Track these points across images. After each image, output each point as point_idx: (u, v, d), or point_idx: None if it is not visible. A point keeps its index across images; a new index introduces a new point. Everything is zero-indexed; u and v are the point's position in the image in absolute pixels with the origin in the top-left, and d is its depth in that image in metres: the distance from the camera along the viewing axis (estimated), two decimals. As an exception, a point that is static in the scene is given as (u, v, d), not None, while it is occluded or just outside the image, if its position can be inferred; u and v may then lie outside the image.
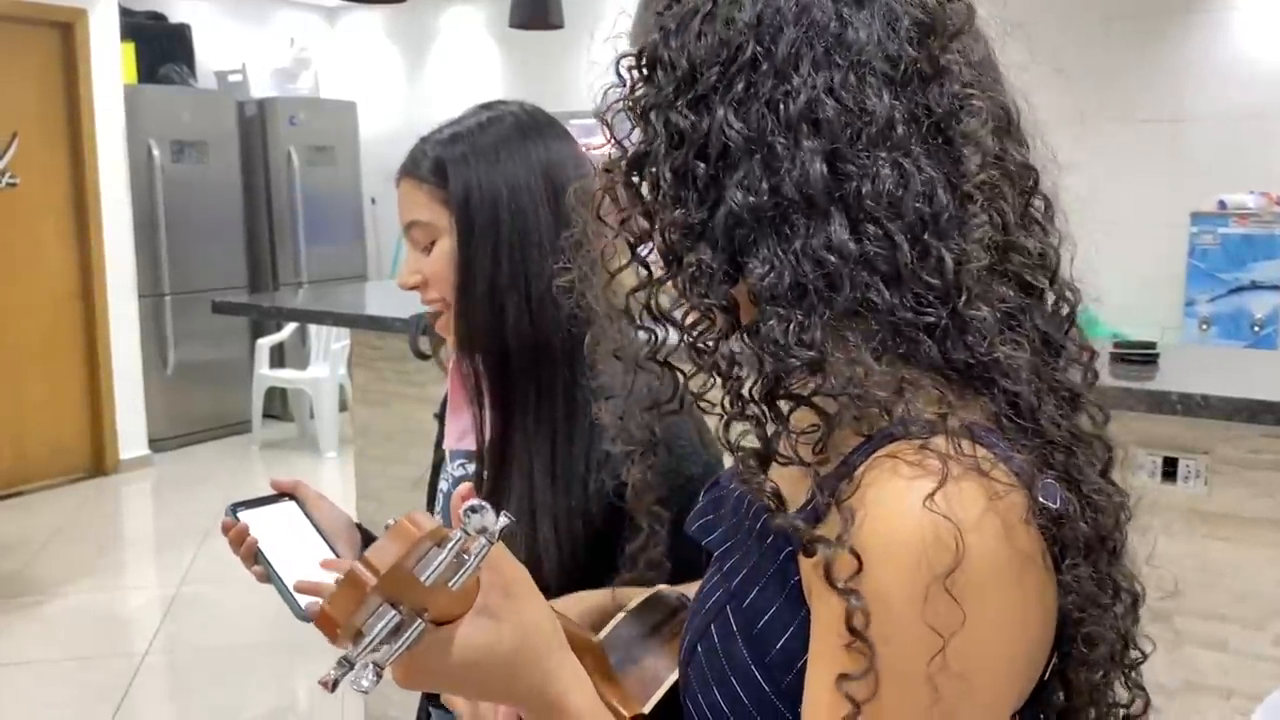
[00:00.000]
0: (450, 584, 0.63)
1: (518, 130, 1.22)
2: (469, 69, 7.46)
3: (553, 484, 1.18)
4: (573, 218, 0.82)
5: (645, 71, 0.72)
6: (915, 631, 0.58)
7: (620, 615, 0.97)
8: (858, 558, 0.60)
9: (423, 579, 0.61)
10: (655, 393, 0.77)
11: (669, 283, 0.71)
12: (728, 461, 0.75)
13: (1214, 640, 2.09)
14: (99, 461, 5.93)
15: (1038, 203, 0.71)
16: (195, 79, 6.76)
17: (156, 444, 6.21)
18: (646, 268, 0.73)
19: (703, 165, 0.68)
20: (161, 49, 6.58)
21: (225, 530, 1.29)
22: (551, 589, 1.14)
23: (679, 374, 0.75)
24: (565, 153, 1.22)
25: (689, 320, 0.70)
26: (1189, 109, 5.06)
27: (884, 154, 0.65)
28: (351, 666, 0.60)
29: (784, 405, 0.67)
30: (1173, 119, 5.10)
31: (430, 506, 1.40)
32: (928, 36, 0.67)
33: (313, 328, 6.39)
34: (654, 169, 0.70)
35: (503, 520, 0.64)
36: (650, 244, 0.72)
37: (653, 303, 0.72)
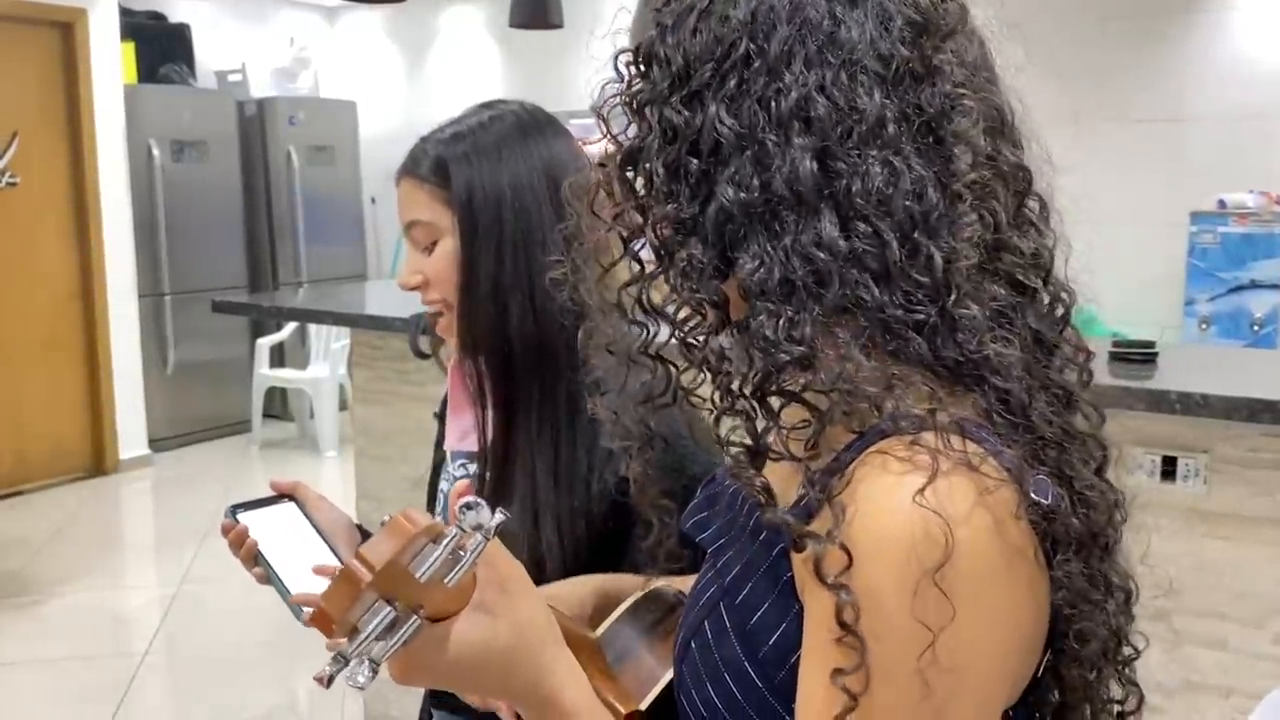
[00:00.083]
0: (446, 580, 0.63)
1: (519, 129, 1.22)
2: (469, 69, 7.46)
3: (556, 484, 1.18)
4: (567, 212, 0.82)
5: (642, 67, 0.72)
6: (906, 627, 0.58)
7: (617, 612, 0.97)
8: (848, 553, 0.60)
9: (418, 575, 0.62)
10: (648, 387, 0.77)
11: (661, 277, 0.72)
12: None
13: (1213, 639, 2.09)
14: (99, 461, 5.94)
15: (1032, 203, 0.71)
16: (195, 79, 6.76)
17: (156, 444, 6.21)
18: (639, 262, 0.73)
19: (695, 161, 0.69)
20: (161, 49, 6.58)
21: (225, 532, 1.29)
22: (554, 589, 1.15)
23: (672, 368, 0.76)
24: (566, 151, 1.22)
25: (680, 315, 0.71)
26: (1189, 108, 5.06)
27: (874, 152, 0.65)
28: (346, 662, 0.60)
29: (774, 401, 0.67)
30: (1172, 118, 5.10)
31: (431, 507, 1.40)
32: (920, 36, 0.68)
33: (312, 327, 6.39)
34: (647, 164, 0.71)
35: (499, 517, 0.64)
36: (643, 239, 0.72)
37: (644, 297, 0.72)
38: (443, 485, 1.36)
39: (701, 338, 0.70)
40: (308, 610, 1.21)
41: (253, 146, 6.91)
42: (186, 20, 6.95)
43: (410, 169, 1.22)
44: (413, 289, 1.24)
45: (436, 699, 1.29)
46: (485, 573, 0.69)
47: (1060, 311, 0.72)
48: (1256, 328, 4.64)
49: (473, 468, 1.28)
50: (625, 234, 0.73)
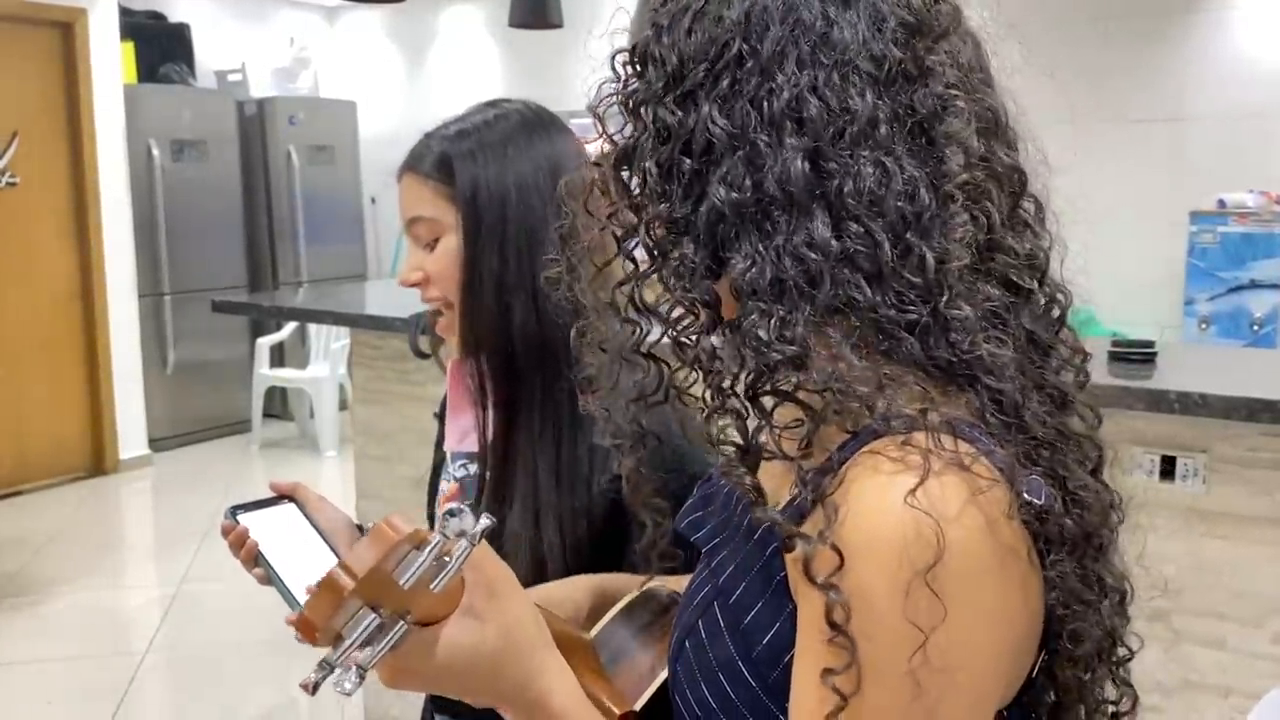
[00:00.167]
0: (432, 586, 0.63)
1: (524, 128, 1.21)
2: (468, 68, 7.46)
3: (558, 484, 1.17)
4: (563, 211, 0.82)
5: (637, 67, 0.72)
6: (897, 627, 0.58)
7: (612, 613, 0.97)
8: (839, 554, 0.60)
9: (401, 582, 0.62)
10: (641, 385, 0.77)
11: (654, 276, 0.72)
12: None
13: (1212, 638, 2.09)
14: (99, 461, 5.94)
15: (1027, 204, 0.71)
16: (195, 78, 6.76)
17: (156, 443, 6.22)
18: (633, 261, 0.74)
19: (688, 160, 0.69)
20: (161, 48, 6.58)
21: (225, 533, 1.28)
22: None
23: (664, 367, 0.76)
24: (571, 151, 1.22)
25: (673, 314, 0.71)
26: (1188, 108, 5.06)
27: (866, 153, 0.65)
28: (332, 669, 0.60)
29: (767, 400, 0.67)
30: (1172, 118, 5.10)
31: (431, 507, 1.40)
32: (913, 37, 0.68)
33: (312, 327, 6.39)
34: (641, 163, 0.71)
35: (484, 522, 0.64)
36: (637, 238, 0.73)
37: (637, 296, 0.72)
38: (443, 486, 1.36)
39: (694, 337, 0.70)
40: None
41: (252, 146, 6.91)
42: (186, 20, 6.95)
43: (413, 165, 1.21)
44: (412, 286, 1.24)
45: (438, 704, 1.29)
46: (473, 577, 0.69)
47: (1056, 312, 0.72)
48: (1256, 327, 4.64)
49: (473, 468, 1.27)
50: (619, 233, 0.73)
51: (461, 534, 0.63)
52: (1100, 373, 2.10)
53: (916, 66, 0.67)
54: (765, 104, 0.66)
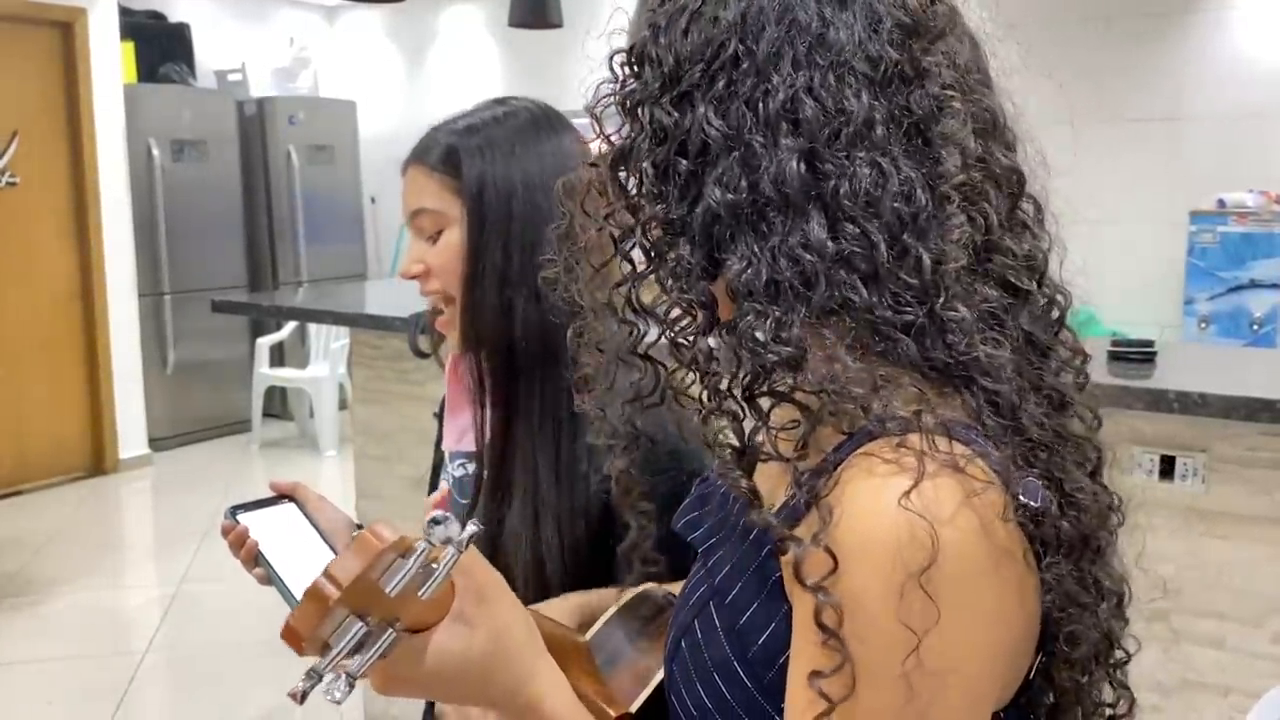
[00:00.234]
0: (420, 593, 0.63)
1: (533, 126, 1.21)
2: (468, 68, 7.46)
3: (557, 482, 1.17)
4: (560, 210, 0.82)
5: (634, 67, 0.72)
6: (890, 630, 0.58)
7: (607, 614, 0.97)
8: (833, 556, 0.60)
9: (388, 590, 0.62)
10: (637, 386, 0.77)
11: (651, 277, 0.72)
12: None
13: (1212, 638, 2.09)
14: (99, 461, 5.94)
15: (1026, 206, 0.71)
16: (195, 78, 6.76)
17: (156, 443, 6.22)
18: (630, 262, 0.73)
19: (684, 161, 0.69)
20: (161, 48, 6.58)
21: (225, 533, 1.28)
22: (554, 589, 1.14)
23: (661, 368, 0.76)
24: (577, 151, 1.22)
25: (670, 315, 0.71)
26: (1188, 108, 5.06)
27: (862, 154, 0.65)
28: (320, 678, 0.61)
29: (764, 402, 0.67)
30: (1172, 118, 5.10)
31: (431, 507, 1.40)
32: (910, 38, 0.68)
33: (312, 327, 6.39)
34: (638, 164, 0.71)
35: (470, 529, 0.64)
36: (634, 238, 0.72)
37: (634, 297, 0.72)
38: (442, 484, 1.36)
39: (691, 338, 0.70)
40: None
41: (252, 146, 6.91)
42: (186, 20, 6.95)
43: (420, 157, 1.21)
44: (412, 278, 1.23)
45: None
46: (463, 583, 0.69)
47: (1055, 314, 0.72)
48: (1256, 327, 4.64)
49: (471, 467, 1.27)
50: (616, 234, 0.73)
51: (447, 541, 0.63)
52: (1100, 372, 2.10)
53: (913, 67, 0.67)
54: (761, 105, 0.66)
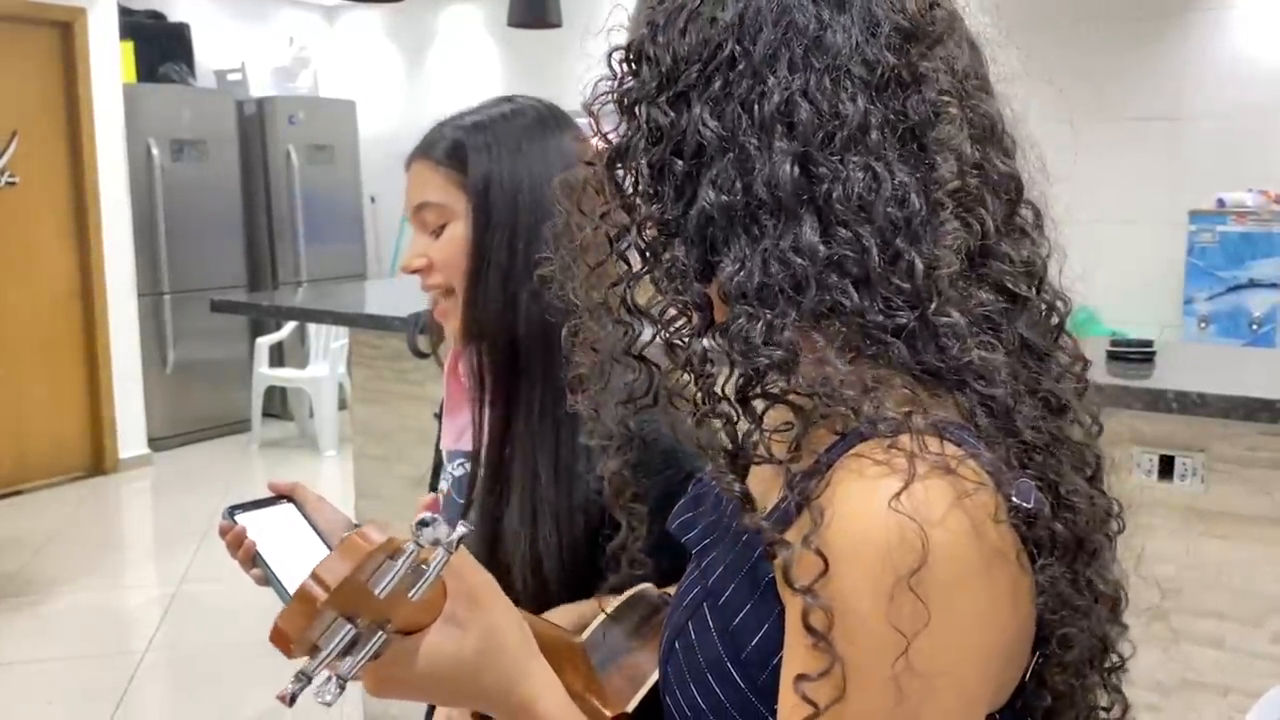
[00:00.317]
0: (410, 595, 0.63)
1: (539, 124, 1.22)
2: (468, 68, 7.46)
3: (556, 480, 1.17)
4: (556, 209, 0.82)
5: (632, 65, 0.72)
6: (880, 632, 0.58)
7: (603, 615, 0.97)
8: (824, 558, 0.60)
9: (377, 592, 0.62)
10: (630, 387, 0.77)
11: (646, 278, 0.71)
12: None
13: (1211, 638, 2.09)
14: (98, 461, 5.94)
15: (1025, 212, 0.71)
16: (194, 78, 6.76)
17: (156, 443, 6.21)
18: (625, 261, 0.73)
19: (679, 162, 0.69)
20: (161, 48, 6.58)
21: (223, 534, 1.28)
22: (552, 586, 1.14)
23: (655, 369, 0.75)
24: (583, 150, 1.22)
25: (666, 316, 0.70)
26: (1187, 107, 5.06)
27: (856, 158, 0.65)
28: (309, 680, 0.61)
29: (757, 404, 0.67)
30: (1171, 117, 5.10)
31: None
32: (908, 43, 0.67)
33: (312, 327, 6.39)
34: (634, 163, 0.71)
35: (460, 530, 0.64)
36: (629, 238, 0.72)
37: (630, 297, 0.72)
38: (442, 485, 1.36)
39: (685, 339, 0.69)
40: None
41: (252, 146, 6.90)
42: (186, 19, 6.95)
43: (425, 151, 1.21)
44: (414, 272, 1.23)
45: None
46: (455, 584, 0.69)
47: (1055, 320, 0.72)
48: (1255, 327, 4.64)
49: (470, 466, 1.27)
50: (612, 233, 0.73)
51: (436, 543, 0.63)
52: (1099, 372, 2.10)
53: (910, 73, 0.67)
54: (756, 107, 0.66)
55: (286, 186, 6.93)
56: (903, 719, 0.59)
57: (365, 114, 7.51)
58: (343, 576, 0.61)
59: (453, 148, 1.19)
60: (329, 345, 6.27)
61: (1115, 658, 0.73)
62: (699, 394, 0.69)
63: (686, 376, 0.70)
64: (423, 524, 0.63)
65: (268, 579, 1.26)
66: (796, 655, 0.62)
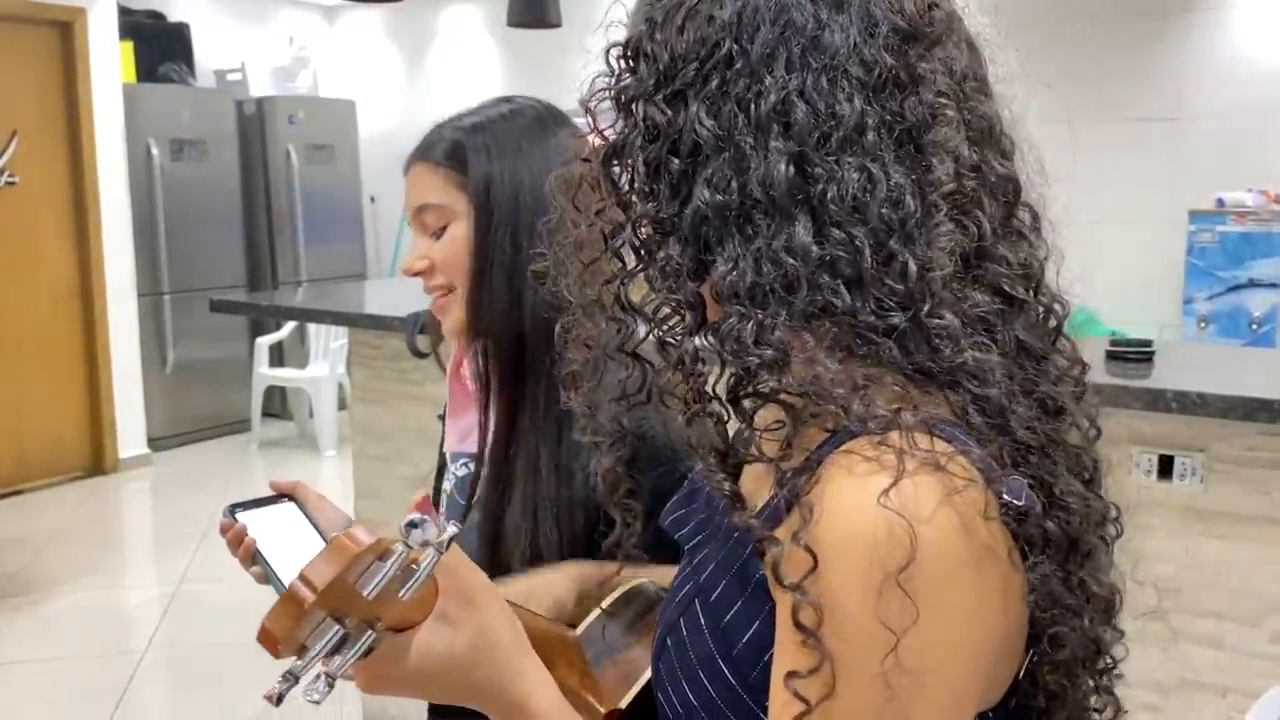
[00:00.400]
0: (400, 594, 0.63)
1: (539, 124, 1.22)
2: (468, 68, 7.46)
3: (557, 476, 1.17)
4: (551, 205, 0.82)
5: (630, 62, 0.72)
6: (869, 628, 0.58)
7: (598, 610, 0.97)
8: (813, 555, 0.60)
9: (365, 592, 0.62)
10: (624, 384, 0.76)
11: (640, 275, 0.71)
12: None
13: (1210, 638, 2.09)
14: (98, 460, 5.94)
15: (1022, 214, 0.71)
16: (194, 78, 6.76)
17: (156, 443, 6.21)
18: (620, 259, 0.73)
19: (675, 160, 0.68)
20: (160, 48, 6.58)
21: (223, 531, 1.28)
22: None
23: (649, 367, 0.75)
24: (580, 147, 1.22)
25: (659, 314, 0.70)
26: (1187, 107, 5.07)
27: (852, 159, 0.65)
28: (296, 680, 0.61)
29: (748, 404, 0.67)
30: (1171, 117, 5.10)
31: (436, 508, 1.40)
32: (906, 43, 0.67)
33: (312, 326, 6.38)
34: (630, 160, 0.71)
35: (450, 530, 0.64)
36: (624, 235, 0.72)
37: (623, 295, 0.72)
38: (446, 486, 1.36)
39: (678, 338, 0.69)
40: None
41: (252, 146, 6.90)
42: (186, 19, 6.95)
43: (424, 153, 1.22)
44: (416, 274, 1.23)
45: (438, 710, 1.28)
46: (447, 583, 0.69)
47: (1052, 322, 0.72)
48: (1255, 326, 4.64)
49: (474, 467, 1.27)
50: (606, 230, 0.73)
51: (425, 543, 0.63)
52: (1098, 372, 2.10)
53: (908, 74, 0.67)
54: (752, 106, 0.66)
55: (286, 186, 6.93)
56: (892, 715, 0.59)
57: (365, 114, 7.51)
58: (329, 578, 0.61)
59: (452, 149, 1.19)
60: (329, 345, 6.27)
61: (1108, 660, 0.73)
62: (690, 393, 0.69)
63: (678, 375, 0.70)
64: (411, 525, 0.63)
65: (267, 577, 1.26)
66: (787, 652, 0.62)
